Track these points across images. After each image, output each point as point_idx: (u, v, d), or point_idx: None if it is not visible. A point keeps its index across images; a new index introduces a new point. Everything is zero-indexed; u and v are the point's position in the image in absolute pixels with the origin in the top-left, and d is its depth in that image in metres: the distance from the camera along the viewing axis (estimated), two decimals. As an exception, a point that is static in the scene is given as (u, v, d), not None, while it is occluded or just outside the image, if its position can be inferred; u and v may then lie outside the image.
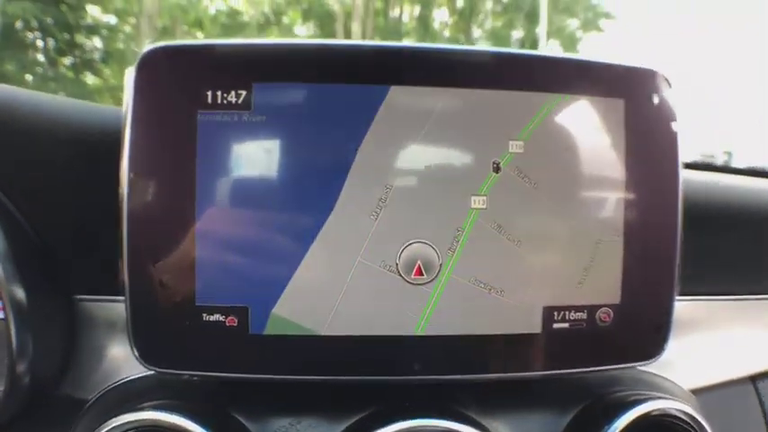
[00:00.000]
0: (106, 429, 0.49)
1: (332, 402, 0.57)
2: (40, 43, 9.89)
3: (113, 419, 0.49)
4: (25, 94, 0.59)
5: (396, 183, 0.50)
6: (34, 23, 9.37)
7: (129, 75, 0.49)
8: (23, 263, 0.54)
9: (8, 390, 0.53)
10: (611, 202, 0.53)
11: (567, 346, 0.54)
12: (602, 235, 0.53)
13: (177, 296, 0.49)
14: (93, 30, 10.41)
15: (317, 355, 0.51)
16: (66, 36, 9.96)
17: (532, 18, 12.75)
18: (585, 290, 0.53)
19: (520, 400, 0.59)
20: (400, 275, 0.51)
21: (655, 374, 0.66)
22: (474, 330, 0.52)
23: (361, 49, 0.52)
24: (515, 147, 0.51)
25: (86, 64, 10.16)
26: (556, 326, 0.53)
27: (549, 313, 0.53)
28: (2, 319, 0.53)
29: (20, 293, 0.53)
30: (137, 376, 0.58)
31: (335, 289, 0.50)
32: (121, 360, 0.60)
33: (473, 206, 0.51)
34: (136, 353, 0.50)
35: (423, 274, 0.51)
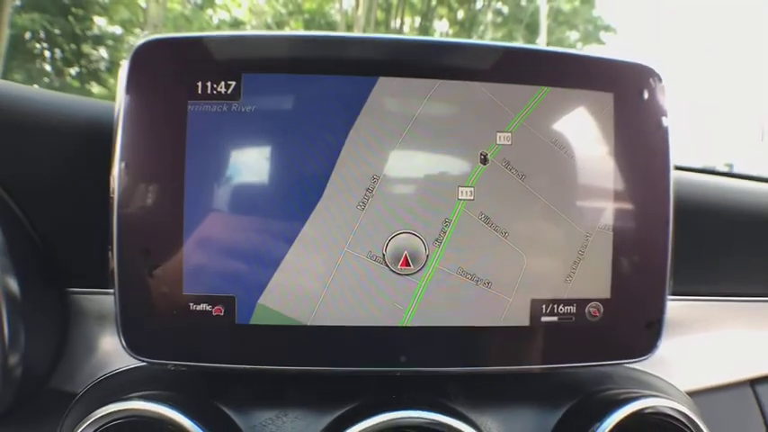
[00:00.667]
0: (92, 420, 0.49)
1: (318, 394, 0.57)
2: (47, 54, 9.96)
3: (99, 410, 0.49)
4: (19, 88, 0.59)
5: (383, 173, 0.50)
6: (42, 34, 9.44)
7: (123, 68, 0.49)
8: (17, 255, 0.54)
9: (0, 382, 0.53)
10: (601, 195, 0.53)
11: (555, 340, 0.53)
12: (591, 229, 0.53)
13: (165, 286, 0.49)
14: (99, 40, 10.48)
15: (303, 346, 0.51)
16: (73, 46, 10.03)
17: (532, 30, 12.80)
18: (575, 284, 0.53)
19: (509, 396, 0.59)
20: (387, 266, 0.51)
21: (649, 373, 0.65)
22: (461, 322, 0.52)
23: (350, 41, 0.52)
24: (503, 139, 0.51)
25: (92, 74, 10.23)
26: (544, 319, 0.53)
27: (537, 306, 0.52)
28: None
29: (13, 285, 0.53)
30: (125, 368, 0.58)
31: (322, 279, 0.50)
32: (112, 353, 0.61)
33: (460, 197, 0.51)
34: (124, 343, 0.50)
35: (409, 265, 0.51)
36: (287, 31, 0.59)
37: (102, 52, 10.57)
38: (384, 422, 0.50)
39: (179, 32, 0.54)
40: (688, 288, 0.71)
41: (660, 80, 0.54)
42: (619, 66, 0.54)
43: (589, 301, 0.53)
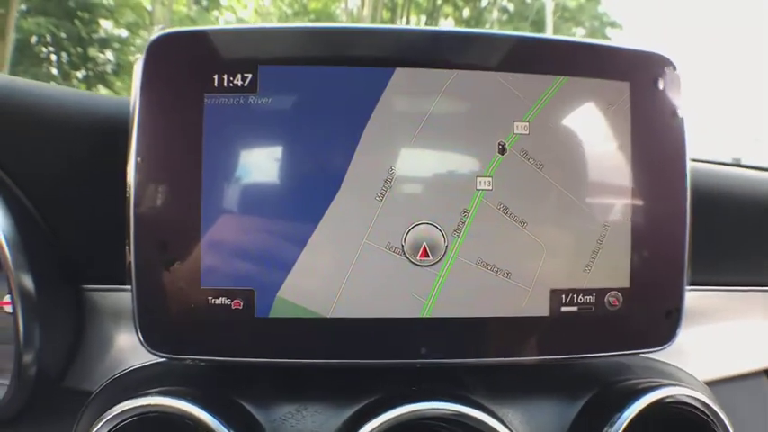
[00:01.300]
0: (110, 416, 0.49)
1: (338, 388, 0.56)
2: (53, 57, 10.00)
3: (117, 406, 0.49)
4: (34, 85, 0.59)
5: (401, 164, 0.50)
6: (48, 38, 9.47)
7: (138, 62, 0.49)
8: (32, 252, 0.54)
9: (15, 382, 0.53)
10: (618, 185, 0.53)
11: (575, 330, 0.53)
12: (609, 217, 0.53)
13: (183, 280, 0.49)
14: (105, 43, 10.50)
15: (323, 339, 0.51)
16: (79, 50, 10.06)
17: (538, 27, 12.78)
18: (594, 273, 0.53)
19: (530, 387, 0.59)
20: (406, 257, 0.50)
21: (667, 363, 0.65)
22: (481, 313, 0.52)
23: (367, 32, 0.52)
24: (520, 128, 0.51)
25: (98, 77, 10.26)
26: (564, 309, 0.52)
27: (556, 296, 0.52)
28: (10, 313, 0.53)
29: (28, 283, 0.53)
30: (142, 365, 0.58)
31: (341, 271, 0.50)
32: (128, 350, 0.60)
33: (479, 187, 0.51)
34: (141, 338, 0.50)
35: (428, 256, 0.50)
36: (303, 23, 0.59)
37: (109, 55, 10.60)
38: (406, 414, 0.50)
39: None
40: (704, 278, 0.71)
41: (675, 69, 0.54)
42: (634, 55, 0.54)
43: (608, 290, 0.53)
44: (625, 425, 0.52)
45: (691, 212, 0.54)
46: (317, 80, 0.50)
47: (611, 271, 0.53)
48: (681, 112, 0.54)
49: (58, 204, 0.59)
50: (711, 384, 0.68)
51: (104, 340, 0.62)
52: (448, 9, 14.49)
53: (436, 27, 0.58)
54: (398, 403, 0.51)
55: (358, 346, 0.51)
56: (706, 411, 0.55)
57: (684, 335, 0.55)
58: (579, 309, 0.53)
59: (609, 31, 13.80)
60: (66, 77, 9.88)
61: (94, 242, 0.60)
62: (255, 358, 0.51)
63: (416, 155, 0.50)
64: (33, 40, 9.35)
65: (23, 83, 0.59)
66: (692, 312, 0.61)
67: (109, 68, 10.42)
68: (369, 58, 0.50)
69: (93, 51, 10.30)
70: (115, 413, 0.48)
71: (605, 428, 0.53)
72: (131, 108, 0.48)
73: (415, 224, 0.50)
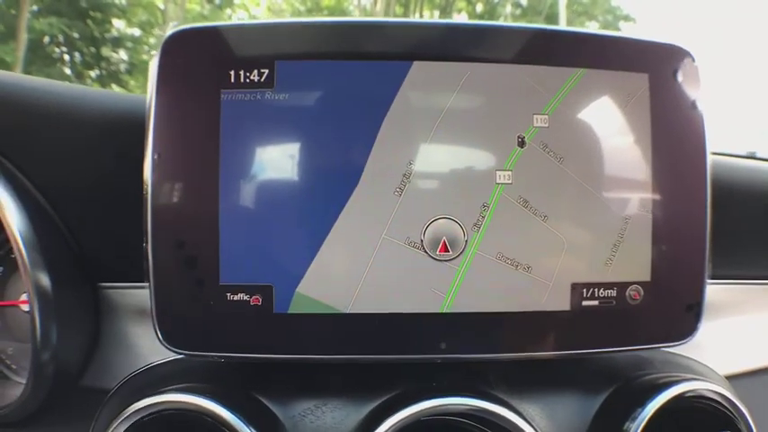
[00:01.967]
0: (129, 413, 0.49)
1: (357, 383, 0.56)
2: (66, 57, 10.05)
3: (136, 403, 0.49)
4: (48, 84, 0.59)
5: (420, 159, 0.50)
6: (60, 38, 9.53)
7: (154, 59, 0.49)
8: (49, 251, 0.55)
9: (32, 380, 0.54)
10: (638, 178, 0.53)
11: (596, 324, 0.53)
12: (629, 211, 0.52)
13: (201, 276, 0.49)
14: (118, 42, 10.55)
15: (342, 334, 0.50)
16: (92, 49, 10.11)
17: (551, 21, 12.74)
18: (614, 267, 0.52)
19: (550, 382, 0.58)
20: (425, 252, 0.50)
21: (687, 357, 0.64)
22: (501, 308, 0.51)
23: (384, 26, 0.52)
24: (540, 121, 0.51)
25: (112, 76, 10.31)
26: (585, 303, 0.52)
27: (577, 291, 0.52)
28: (27, 312, 0.53)
29: (45, 281, 0.53)
30: (160, 362, 0.58)
31: (360, 266, 0.50)
32: (145, 348, 0.61)
33: (498, 181, 0.50)
34: (160, 336, 0.50)
35: (448, 251, 0.50)
36: (319, 18, 0.59)
37: (122, 54, 10.65)
38: (426, 409, 0.50)
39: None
40: (724, 272, 0.70)
41: (694, 61, 0.53)
42: (653, 47, 0.54)
43: (629, 284, 0.53)
44: (647, 420, 0.52)
45: (711, 205, 0.53)
46: (334, 75, 0.50)
47: (632, 265, 0.53)
48: (700, 105, 0.53)
49: (74, 203, 0.59)
50: (732, 378, 0.67)
51: (122, 338, 0.62)
52: (461, 4, 14.45)
53: (454, 20, 0.57)
54: (419, 399, 0.50)
55: (377, 341, 0.51)
56: (728, 406, 0.54)
57: (704, 329, 0.55)
58: (600, 303, 0.52)
59: (622, 24, 13.73)
60: (79, 77, 9.93)
61: (112, 240, 0.60)
62: (274, 354, 0.51)
63: (435, 149, 0.50)
64: (46, 40, 9.40)
65: (38, 82, 0.59)
66: (711, 306, 0.60)
67: (122, 67, 10.47)
68: (386, 53, 0.50)
69: (106, 51, 10.35)
70: (134, 410, 0.48)
71: (627, 423, 0.53)
72: (147, 105, 0.48)
73: (434, 219, 0.50)
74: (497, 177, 0.50)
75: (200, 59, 0.49)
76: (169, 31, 0.50)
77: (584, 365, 0.59)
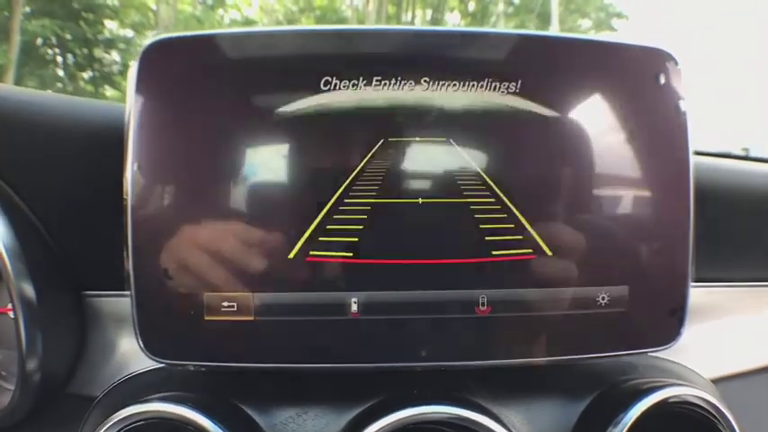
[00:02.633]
0: (112, 422, 0.49)
1: (339, 391, 0.56)
2: (59, 59, 10.03)
3: (119, 413, 0.49)
4: (31, 93, 0.59)
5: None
6: (53, 40, 9.50)
7: (132, 68, 0.49)
8: (32, 259, 0.54)
9: (19, 388, 0.54)
10: (620, 181, 0.53)
11: (579, 330, 0.53)
12: (612, 214, 0.52)
13: (182, 286, 0.49)
14: (110, 44, 10.52)
15: (321, 343, 0.50)
16: (85, 51, 10.08)
17: (544, 19, 12.74)
18: (597, 271, 0.52)
19: (532, 388, 0.58)
20: None
21: (672, 362, 0.65)
22: (482, 314, 0.51)
23: (360, 34, 0.52)
24: None
25: (105, 77, 10.28)
26: (567, 309, 0.52)
27: (559, 295, 0.52)
28: (12, 319, 0.53)
29: (29, 290, 0.53)
30: (144, 370, 0.58)
31: (338, 274, 0.50)
32: (130, 355, 0.61)
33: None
34: (142, 344, 0.49)
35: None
36: (300, 27, 0.59)
37: (115, 56, 10.62)
38: (407, 418, 0.50)
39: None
40: (709, 274, 0.70)
41: (677, 64, 0.53)
42: (635, 51, 0.53)
43: (611, 289, 0.53)
44: (629, 425, 0.52)
45: (695, 208, 0.53)
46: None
47: (614, 269, 0.53)
48: (683, 107, 0.53)
49: (57, 212, 0.59)
50: (718, 382, 0.68)
51: (107, 346, 0.62)
52: (453, 2, 14.46)
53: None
54: (400, 407, 0.50)
55: (358, 349, 0.51)
56: (711, 411, 0.54)
57: (690, 332, 0.55)
58: (582, 308, 0.52)
59: (615, 21, 13.75)
60: (72, 78, 9.91)
61: (95, 248, 0.60)
62: (256, 363, 0.51)
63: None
64: (39, 41, 9.38)
65: (19, 91, 0.59)
66: (697, 309, 0.60)
67: (115, 69, 10.44)
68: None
69: (98, 52, 10.33)
70: (117, 420, 0.49)
71: (610, 429, 0.53)
72: (127, 115, 0.48)
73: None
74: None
75: (179, 69, 0.49)
76: (148, 40, 0.49)
77: (566, 371, 0.59)
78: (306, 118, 0.49)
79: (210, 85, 0.49)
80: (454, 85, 0.50)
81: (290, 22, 12.48)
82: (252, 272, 0.49)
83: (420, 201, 0.50)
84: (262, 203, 0.49)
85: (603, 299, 0.52)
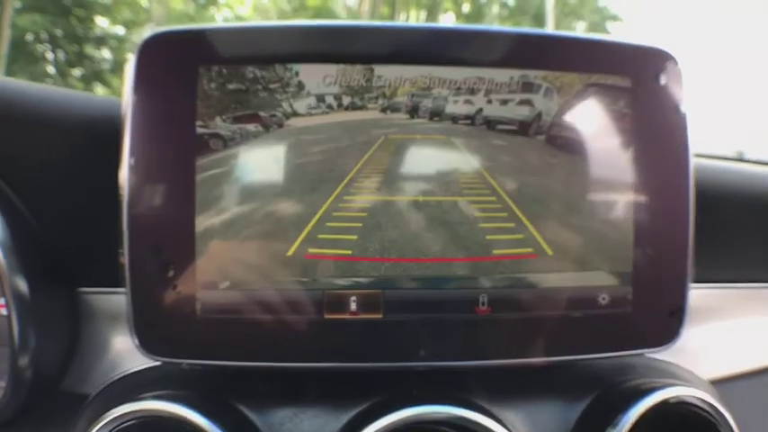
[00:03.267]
0: (106, 420, 0.48)
1: (336, 391, 0.56)
2: (50, 55, 9.98)
3: (113, 410, 0.48)
4: (26, 86, 0.59)
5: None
6: (44, 36, 9.46)
7: (130, 62, 0.48)
8: (26, 255, 0.54)
9: (11, 385, 0.53)
10: (619, 182, 0.52)
11: (578, 330, 0.52)
12: (611, 215, 0.52)
13: (178, 283, 0.48)
14: (102, 41, 10.48)
15: (319, 342, 0.50)
16: (76, 48, 10.04)
17: (539, 21, 12.78)
18: (596, 272, 0.52)
19: (531, 388, 0.58)
20: None
21: (670, 363, 0.64)
22: (480, 314, 0.51)
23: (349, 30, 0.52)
24: None
25: (96, 75, 10.23)
26: (566, 309, 0.52)
27: (558, 296, 0.52)
28: (5, 315, 0.52)
29: (22, 286, 0.53)
30: (139, 368, 0.58)
31: (337, 271, 0.50)
32: (125, 353, 0.60)
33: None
34: (137, 342, 0.49)
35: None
36: (294, 21, 0.58)
37: (106, 53, 10.58)
38: (406, 418, 0.49)
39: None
40: (707, 275, 0.70)
41: (677, 64, 0.53)
42: (636, 50, 0.53)
43: (611, 289, 0.53)
44: (628, 426, 0.52)
45: (694, 209, 0.53)
46: None
47: (614, 270, 0.52)
48: (683, 109, 0.53)
49: (52, 206, 0.58)
50: (717, 383, 0.67)
51: (101, 343, 0.61)
52: (448, 4, 14.49)
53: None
54: (398, 407, 0.50)
55: (355, 349, 0.51)
56: (711, 411, 0.54)
57: (689, 333, 0.55)
58: (581, 308, 0.52)
59: (609, 24, 13.81)
60: (63, 75, 9.86)
61: (90, 244, 0.59)
62: (252, 362, 0.50)
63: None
64: (29, 37, 9.33)
65: (12, 83, 0.58)
66: (696, 310, 0.60)
67: (106, 66, 10.40)
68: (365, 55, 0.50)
69: (89, 49, 10.28)
70: (111, 418, 0.48)
71: (609, 430, 0.53)
72: (124, 109, 0.48)
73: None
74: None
75: (177, 63, 0.49)
76: (146, 33, 0.49)
77: (565, 371, 0.59)
78: (306, 114, 0.49)
79: (208, 80, 0.48)
80: (455, 82, 0.50)
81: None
82: (249, 269, 0.49)
83: (420, 199, 0.50)
84: (260, 200, 0.49)
85: (604, 299, 0.52)
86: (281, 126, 0.49)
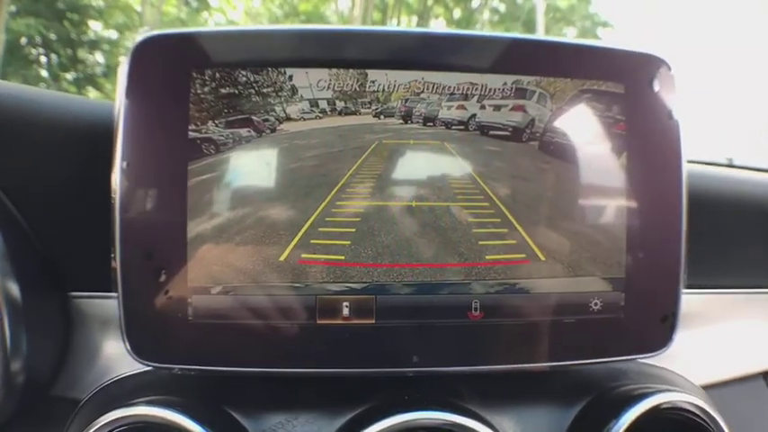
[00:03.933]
0: (97, 426, 0.48)
1: (328, 397, 0.55)
2: (43, 59, 9.95)
3: (104, 416, 0.48)
4: (18, 89, 0.58)
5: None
6: (38, 39, 9.43)
7: (123, 65, 0.48)
8: (18, 259, 0.53)
9: (2, 390, 0.52)
10: (612, 188, 0.52)
11: (570, 336, 0.52)
12: (604, 221, 0.52)
13: (169, 288, 0.48)
14: (95, 45, 10.45)
15: (311, 347, 0.50)
16: (69, 51, 10.01)
17: (529, 27, 12.82)
18: (588, 278, 0.52)
19: (524, 395, 0.58)
20: None
21: (663, 368, 0.65)
22: (474, 320, 0.51)
23: (344, 34, 0.51)
24: None
25: (88, 79, 10.20)
26: (559, 315, 0.52)
27: (551, 301, 0.52)
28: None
29: (14, 290, 0.52)
30: (130, 373, 0.57)
31: (329, 276, 0.49)
32: (116, 358, 0.59)
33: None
34: (129, 347, 0.49)
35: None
36: (287, 26, 0.58)
37: (99, 57, 10.55)
38: (398, 424, 0.49)
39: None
40: (699, 281, 0.70)
41: (670, 70, 0.53)
42: (629, 56, 0.53)
43: (603, 295, 0.53)
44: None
45: (686, 215, 0.53)
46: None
47: (606, 275, 0.52)
48: (676, 114, 0.53)
49: (43, 210, 0.58)
50: (709, 388, 0.68)
51: (93, 348, 0.61)
52: (439, 9, 14.52)
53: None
54: (391, 412, 0.50)
55: (348, 354, 0.50)
56: (703, 417, 0.54)
57: (681, 338, 0.55)
58: (574, 314, 0.52)
59: (600, 31, 13.86)
60: (56, 79, 9.83)
61: (82, 249, 0.59)
62: (244, 368, 0.50)
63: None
64: (23, 41, 9.31)
65: (5, 86, 0.58)
66: (687, 315, 0.60)
67: (99, 70, 10.37)
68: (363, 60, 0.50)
69: (82, 53, 10.26)
70: (102, 423, 0.48)
71: (601, 435, 0.52)
72: (116, 112, 0.47)
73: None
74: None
75: (170, 66, 0.48)
76: (139, 36, 0.49)
77: (558, 377, 0.59)
78: (299, 119, 0.49)
79: (201, 84, 0.48)
80: (448, 87, 0.50)
81: (275, 26, 12.47)
82: (242, 274, 0.49)
83: (413, 204, 0.50)
84: (252, 205, 0.49)
85: (596, 305, 0.52)
86: (273, 131, 0.49)
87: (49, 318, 0.58)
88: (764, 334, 0.76)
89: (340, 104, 0.49)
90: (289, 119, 0.49)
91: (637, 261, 0.53)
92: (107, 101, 0.60)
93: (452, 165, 0.50)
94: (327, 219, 0.49)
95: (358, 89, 0.49)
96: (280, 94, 0.49)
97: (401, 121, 0.50)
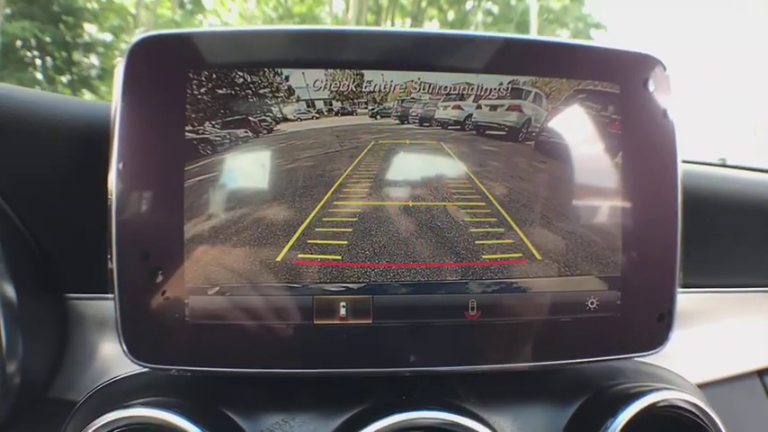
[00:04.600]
0: (95, 428, 0.48)
1: (326, 397, 0.55)
2: (38, 62, 9.94)
3: (101, 418, 0.48)
4: (13, 91, 0.58)
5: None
6: (33, 42, 9.41)
7: (120, 66, 0.48)
8: (13, 260, 0.53)
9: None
10: (608, 188, 0.53)
11: (567, 335, 0.52)
12: (600, 220, 0.52)
13: (166, 289, 0.48)
14: (89, 47, 10.44)
15: (309, 347, 0.50)
16: (64, 54, 10.00)
17: (522, 29, 12.84)
18: (585, 277, 0.52)
19: (521, 394, 0.58)
20: None
21: (659, 367, 0.65)
22: (470, 319, 0.51)
23: (341, 34, 0.51)
24: None
25: (83, 81, 10.19)
26: (556, 314, 0.52)
27: (547, 300, 0.52)
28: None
29: (10, 292, 0.52)
30: (127, 375, 0.57)
31: (327, 276, 0.50)
32: (113, 359, 0.59)
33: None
34: (125, 349, 0.48)
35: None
36: (282, 26, 0.58)
37: (93, 59, 10.54)
38: (396, 424, 0.49)
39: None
40: (695, 280, 0.70)
41: (665, 70, 0.53)
42: (624, 56, 0.53)
43: (599, 294, 0.53)
44: (618, 430, 0.52)
45: (682, 214, 0.53)
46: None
47: (602, 274, 0.53)
48: (671, 114, 0.53)
49: (40, 212, 0.57)
50: (705, 387, 0.68)
51: (89, 349, 0.60)
52: (432, 12, 14.54)
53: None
54: (388, 413, 0.50)
55: (345, 354, 0.50)
56: (699, 415, 0.54)
57: (677, 337, 0.55)
58: (570, 313, 0.52)
59: (593, 32, 13.90)
60: (51, 82, 9.81)
61: (78, 250, 0.59)
62: (241, 368, 0.50)
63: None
64: (18, 44, 9.29)
65: (1, 88, 0.58)
66: (683, 314, 0.60)
67: (93, 73, 10.36)
68: (358, 61, 0.50)
69: (77, 55, 10.24)
70: (99, 425, 0.48)
71: (598, 433, 0.53)
72: (112, 113, 0.47)
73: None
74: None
75: (166, 67, 0.48)
76: (136, 36, 0.49)
77: (555, 376, 0.59)
78: (296, 119, 0.49)
79: (197, 85, 0.48)
80: (445, 88, 0.50)
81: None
82: (239, 275, 0.49)
83: (410, 204, 0.50)
84: (249, 205, 0.49)
85: (593, 303, 0.52)
86: (270, 131, 0.49)
87: (46, 319, 0.58)
88: (759, 332, 0.76)
89: (336, 105, 0.49)
90: (285, 119, 0.49)
91: (632, 260, 0.53)
92: (103, 102, 0.59)
93: (449, 165, 0.50)
94: (324, 219, 0.49)
95: (354, 89, 0.49)
96: (276, 94, 0.49)
97: (397, 121, 0.50)
